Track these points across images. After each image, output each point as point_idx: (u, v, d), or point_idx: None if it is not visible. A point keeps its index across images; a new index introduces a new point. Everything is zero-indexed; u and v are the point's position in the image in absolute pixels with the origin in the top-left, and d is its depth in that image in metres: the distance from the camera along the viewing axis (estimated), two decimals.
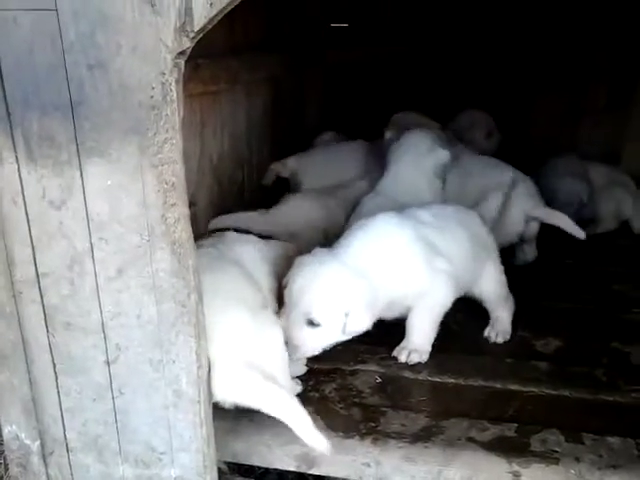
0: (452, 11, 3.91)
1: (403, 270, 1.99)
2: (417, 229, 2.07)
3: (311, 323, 1.85)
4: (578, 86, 3.90)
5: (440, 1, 3.89)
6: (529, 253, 3.03)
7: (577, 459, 1.63)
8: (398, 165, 2.74)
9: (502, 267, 2.35)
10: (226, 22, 2.70)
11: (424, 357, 2.08)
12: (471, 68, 3.95)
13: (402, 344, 2.10)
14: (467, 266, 2.15)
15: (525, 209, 2.84)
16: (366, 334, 2.17)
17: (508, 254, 2.99)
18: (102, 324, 1.42)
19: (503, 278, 2.33)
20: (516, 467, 1.60)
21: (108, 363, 1.44)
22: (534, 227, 2.93)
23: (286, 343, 1.78)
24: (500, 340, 2.24)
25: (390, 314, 2.07)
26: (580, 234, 2.75)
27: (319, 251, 1.98)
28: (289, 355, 1.79)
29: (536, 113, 3.96)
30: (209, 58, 2.40)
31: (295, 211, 2.70)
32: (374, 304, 1.90)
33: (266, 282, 1.97)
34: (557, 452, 1.66)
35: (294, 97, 3.69)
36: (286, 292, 1.90)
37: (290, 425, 1.56)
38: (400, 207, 2.34)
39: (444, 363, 2.08)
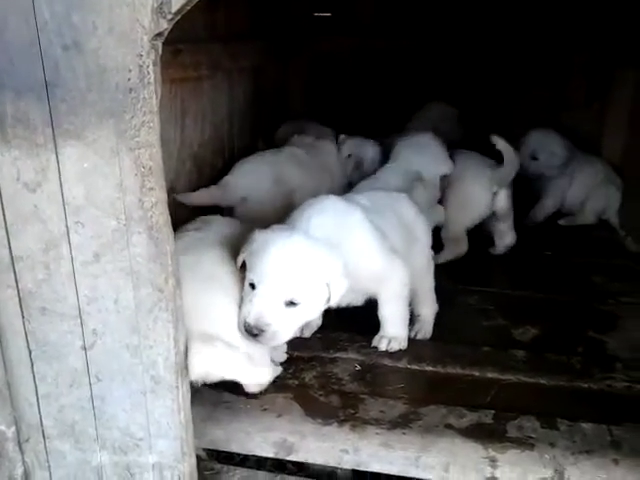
0: (436, 5, 3.90)
1: (360, 250, 1.94)
2: (365, 212, 2.02)
3: (291, 303, 1.75)
4: (558, 81, 3.93)
5: None
6: (507, 236, 3.06)
7: (552, 444, 1.66)
8: (401, 160, 2.87)
9: (431, 255, 2.30)
10: (208, 8, 2.68)
11: (403, 344, 2.09)
12: (455, 62, 3.95)
13: (380, 333, 2.11)
14: (401, 250, 2.11)
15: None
16: (345, 322, 2.22)
17: (487, 244, 3.04)
18: (78, 309, 1.40)
19: (431, 267, 2.27)
20: (492, 453, 1.62)
21: (85, 349, 1.43)
22: (502, 199, 2.96)
23: (255, 335, 1.71)
24: (420, 337, 2.18)
25: (351, 299, 2.05)
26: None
27: (278, 227, 1.87)
28: (262, 343, 1.72)
29: (518, 107, 3.98)
30: (190, 43, 2.38)
31: (246, 177, 2.66)
32: (347, 263, 1.82)
33: None
34: (532, 438, 1.68)
35: (277, 86, 3.67)
36: (253, 271, 1.74)
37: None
38: None
39: (423, 351, 2.10)
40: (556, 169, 3.53)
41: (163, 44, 1.29)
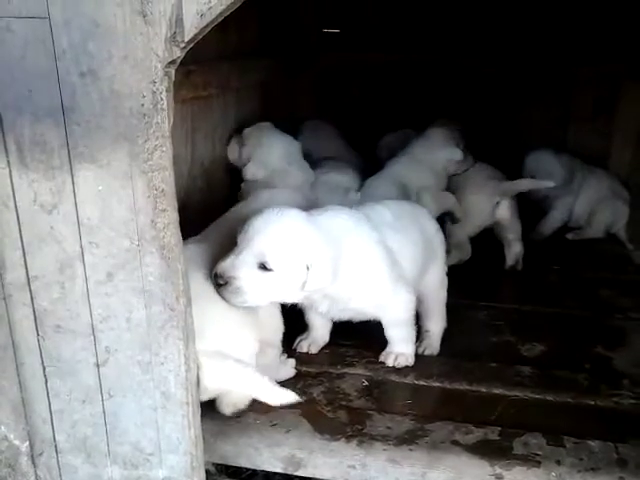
0: (444, 21, 3.94)
1: (365, 276, 1.91)
2: (377, 230, 1.97)
3: (263, 267, 1.70)
4: (565, 95, 3.95)
5: (432, 12, 3.92)
6: (514, 246, 3.07)
7: (558, 462, 1.66)
8: (412, 153, 2.98)
9: (446, 272, 2.30)
10: (219, 27, 2.71)
11: (410, 360, 2.11)
12: (464, 77, 3.98)
13: (387, 349, 2.13)
14: (416, 267, 2.10)
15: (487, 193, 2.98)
16: (353, 337, 2.24)
17: (497, 258, 3.06)
18: (92, 327, 1.44)
19: (445, 284, 2.27)
20: (499, 470, 1.63)
21: (98, 365, 1.46)
22: (505, 210, 2.99)
23: (219, 285, 1.69)
24: (427, 353, 2.17)
25: (350, 316, 2.07)
26: (547, 184, 3.09)
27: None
28: (226, 298, 1.70)
29: (526, 122, 3.99)
30: (201, 64, 2.42)
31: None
32: (337, 265, 1.78)
33: None
34: (539, 455, 1.68)
35: (285, 102, 3.71)
36: (240, 235, 1.74)
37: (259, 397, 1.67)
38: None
39: (430, 367, 2.11)
40: (558, 190, 3.53)
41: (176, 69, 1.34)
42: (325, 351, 2.20)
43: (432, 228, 2.26)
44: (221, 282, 1.70)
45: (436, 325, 2.26)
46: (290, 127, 3.19)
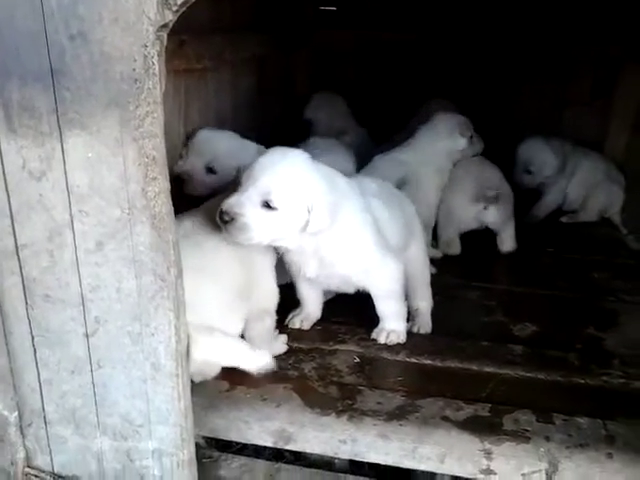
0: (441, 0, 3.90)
1: (351, 237, 1.94)
2: (365, 198, 2.01)
3: (267, 205, 1.75)
4: (562, 77, 3.92)
5: None
6: (506, 244, 3.06)
7: (547, 438, 1.67)
8: (419, 138, 2.97)
9: (427, 253, 2.34)
10: (211, 1, 2.68)
11: (402, 337, 2.11)
12: (459, 57, 3.95)
13: (379, 326, 2.13)
14: (399, 238, 2.12)
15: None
16: (345, 315, 2.23)
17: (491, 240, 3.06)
18: (81, 297, 1.42)
19: (427, 262, 2.30)
20: (488, 445, 1.64)
21: (87, 336, 1.45)
22: (493, 214, 2.97)
23: (225, 222, 1.73)
24: (422, 332, 2.18)
25: (338, 285, 2.09)
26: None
27: None
28: (232, 235, 1.75)
29: (522, 103, 3.97)
30: (194, 35, 2.38)
31: None
32: (335, 209, 1.83)
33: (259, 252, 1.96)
34: (528, 431, 1.69)
35: (281, 78, 3.67)
36: (245, 174, 1.80)
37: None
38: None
39: (422, 345, 2.11)
40: (552, 177, 3.52)
41: (168, 35, 1.31)
42: (317, 328, 2.19)
43: (411, 210, 2.31)
44: (227, 219, 1.75)
45: (424, 302, 2.26)
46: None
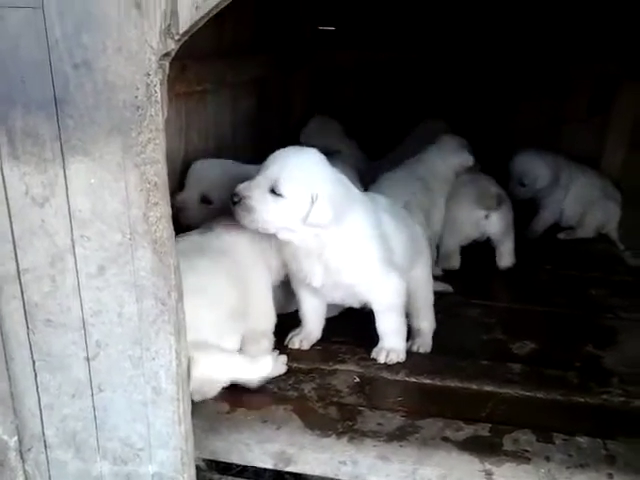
0: (440, 19, 3.95)
1: (359, 247, 1.98)
2: (377, 214, 2.06)
3: (274, 192, 1.86)
4: (559, 95, 3.96)
5: (427, 10, 3.92)
6: (503, 259, 3.09)
7: (547, 458, 1.67)
8: (429, 154, 3.06)
9: (431, 274, 2.36)
10: (215, 23, 2.71)
11: (401, 356, 2.11)
12: (457, 75, 3.99)
13: (379, 345, 2.13)
14: (406, 257, 2.15)
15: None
16: (345, 334, 2.24)
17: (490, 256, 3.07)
18: (83, 321, 1.43)
19: (431, 283, 2.33)
20: (489, 466, 1.64)
21: (88, 360, 1.45)
22: (495, 224, 3.02)
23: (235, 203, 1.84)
24: (422, 351, 2.19)
25: (342, 298, 2.12)
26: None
27: None
28: (239, 217, 1.86)
29: (520, 120, 4.01)
30: (196, 59, 2.42)
31: None
32: (341, 208, 1.90)
33: (252, 273, 1.99)
34: (528, 451, 1.69)
35: (280, 99, 3.71)
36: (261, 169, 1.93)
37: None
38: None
39: (421, 364, 2.11)
40: (546, 190, 3.56)
41: (170, 61, 1.33)
42: (317, 348, 2.20)
43: (418, 231, 2.36)
44: (236, 200, 1.88)
45: (426, 322, 2.27)
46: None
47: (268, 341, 1.98)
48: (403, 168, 2.99)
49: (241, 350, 1.87)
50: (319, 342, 2.22)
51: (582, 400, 1.95)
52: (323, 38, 4.09)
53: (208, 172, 2.44)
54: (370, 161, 3.58)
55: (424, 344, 2.23)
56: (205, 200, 2.40)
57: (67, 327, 1.44)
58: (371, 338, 2.15)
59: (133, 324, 1.41)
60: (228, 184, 2.29)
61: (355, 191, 2.02)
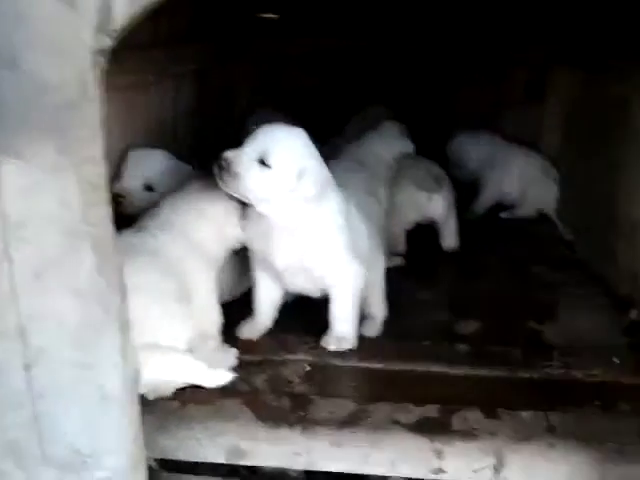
0: (381, 6, 3.96)
1: (328, 238, 2.03)
2: (347, 205, 2.13)
3: (262, 163, 1.90)
4: (499, 79, 4.05)
5: None
6: (448, 240, 3.17)
7: (493, 434, 1.73)
8: (369, 140, 3.03)
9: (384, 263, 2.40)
10: (150, 15, 2.64)
11: (352, 343, 2.14)
12: (399, 62, 4.02)
13: (329, 333, 2.15)
14: (365, 254, 2.19)
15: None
16: (294, 324, 2.26)
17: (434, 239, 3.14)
18: (21, 327, 1.38)
19: (384, 272, 2.38)
20: (439, 445, 1.69)
21: (27, 367, 1.40)
22: (438, 206, 3.08)
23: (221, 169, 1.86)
24: (370, 335, 2.24)
25: (303, 285, 2.14)
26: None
27: None
28: (223, 181, 1.88)
29: (462, 105, 4.08)
30: (134, 50, 2.35)
31: None
32: (323, 187, 1.96)
33: (193, 272, 1.94)
34: (476, 429, 1.75)
35: (223, 89, 3.66)
36: (248, 138, 1.95)
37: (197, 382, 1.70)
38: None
39: (371, 349, 2.15)
40: (484, 170, 3.68)
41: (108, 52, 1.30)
42: (267, 338, 2.20)
43: (376, 220, 2.47)
44: (223, 165, 1.89)
45: (378, 309, 2.32)
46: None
47: (214, 340, 1.96)
48: (343, 156, 2.97)
49: (189, 351, 1.84)
50: (269, 333, 2.22)
51: (526, 375, 2.03)
52: (266, 26, 4.04)
53: (150, 160, 2.41)
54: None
55: (373, 328, 2.27)
56: (148, 188, 2.37)
57: (4, 334, 1.38)
58: (320, 326, 2.17)
59: (75, 328, 1.37)
60: (169, 172, 2.27)
61: (332, 177, 2.06)
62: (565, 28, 3.63)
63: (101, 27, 1.24)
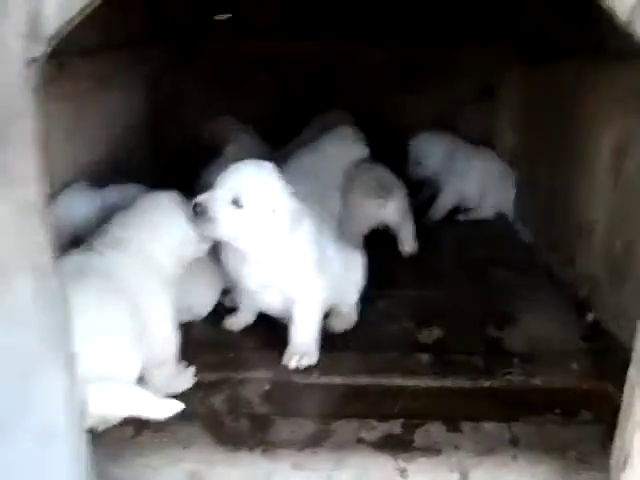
0: (337, 6, 3.92)
1: (299, 261, 2.07)
2: (320, 227, 2.16)
3: (236, 204, 1.93)
4: (452, 78, 4.04)
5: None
6: (406, 244, 3.15)
7: (456, 447, 1.71)
8: (324, 144, 3.05)
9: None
10: (98, 15, 2.52)
11: (313, 359, 2.09)
12: (355, 63, 3.98)
13: (289, 349, 2.10)
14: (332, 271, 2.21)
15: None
16: (254, 341, 2.22)
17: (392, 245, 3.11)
18: None
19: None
20: (402, 463, 1.65)
21: None
22: (391, 212, 3.06)
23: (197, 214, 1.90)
24: (337, 329, 2.30)
25: (270, 302, 2.16)
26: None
27: None
28: (200, 228, 1.92)
29: (415, 105, 4.06)
30: (77, 54, 2.25)
31: None
32: (296, 220, 1.99)
33: (146, 292, 1.84)
34: (438, 443, 1.73)
35: (175, 92, 3.55)
36: (218, 178, 1.98)
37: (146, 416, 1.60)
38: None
39: (332, 364, 2.10)
40: (444, 173, 3.69)
41: (47, 59, 1.22)
42: (226, 356, 2.14)
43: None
44: (198, 210, 1.92)
45: (352, 311, 2.39)
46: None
47: (170, 366, 1.87)
48: (297, 160, 2.97)
49: (142, 379, 1.75)
50: (228, 350, 2.16)
51: (487, 384, 2.02)
52: (220, 28, 3.94)
53: (75, 209, 2.15)
54: (273, 151, 3.51)
55: (342, 322, 2.32)
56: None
57: None
58: (280, 343, 2.12)
59: (16, 362, 1.28)
60: (96, 219, 2.09)
61: (303, 205, 2.07)
62: (514, 26, 3.68)
63: (31, 35, 1.16)
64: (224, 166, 2.59)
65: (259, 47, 3.92)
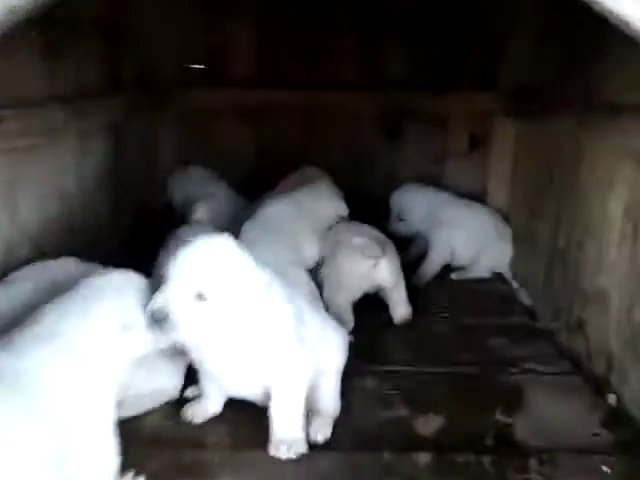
0: (312, 58, 3.78)
1: (272, 335, 1.80)
2: (289, 290, 1.90)
3: (199, 297, 1.65)
4: (441, 130, 3.89)
5: (300, 50, 3.74)
6: (399, 308, 2.86)
7: None
8: (300, 194, 2.94)
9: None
10: (46, 64, 2.27)
11: (303, 447, 1.81)
12: (328, 113, 3.84)
13: (274, 438, 1.80)
14: (314, 342, 1.94)
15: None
16: (219, 438, 1.89)
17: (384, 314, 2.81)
18: None
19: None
20: None
21: None
22: (383, 271, 2.77)
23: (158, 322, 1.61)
24: (319, 439, 1.89)
25: (248, 387, 1.89)
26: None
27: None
28: (161, 336, 1.65)
29: (403, 159, 3.90)
30: (17, 108, 1.97)
31: None
32: (265, 293, 1.75)
33: (78, 398, 1.46)
34: None
35: (142, 144, 3.28)
36: (168, 268, 1.68)
37: None
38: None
39: (315, 466, 1.78)
40: (428, 225, 3.48)
41: None
42: (184, 461, 1.78)
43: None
44: (158, 318, 1.63)
45: (331, 406, 2.01)
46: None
47: None
48: (270, 207, 2.83)
49: None
50: (186, 452, 1.82)
51: None
52: (191, 77, 3.73)
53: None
54: (248, 202, 3.34)
55: (323, 429, 1.92)
56: None
57: None
58: (250, 439, 1.82)
59: None
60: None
61: (269, 271, 1.82)
62: (507, 80, 3.56)
63: None
64: (192, 231, 2.33)
65: (234, 95, 3.72)
